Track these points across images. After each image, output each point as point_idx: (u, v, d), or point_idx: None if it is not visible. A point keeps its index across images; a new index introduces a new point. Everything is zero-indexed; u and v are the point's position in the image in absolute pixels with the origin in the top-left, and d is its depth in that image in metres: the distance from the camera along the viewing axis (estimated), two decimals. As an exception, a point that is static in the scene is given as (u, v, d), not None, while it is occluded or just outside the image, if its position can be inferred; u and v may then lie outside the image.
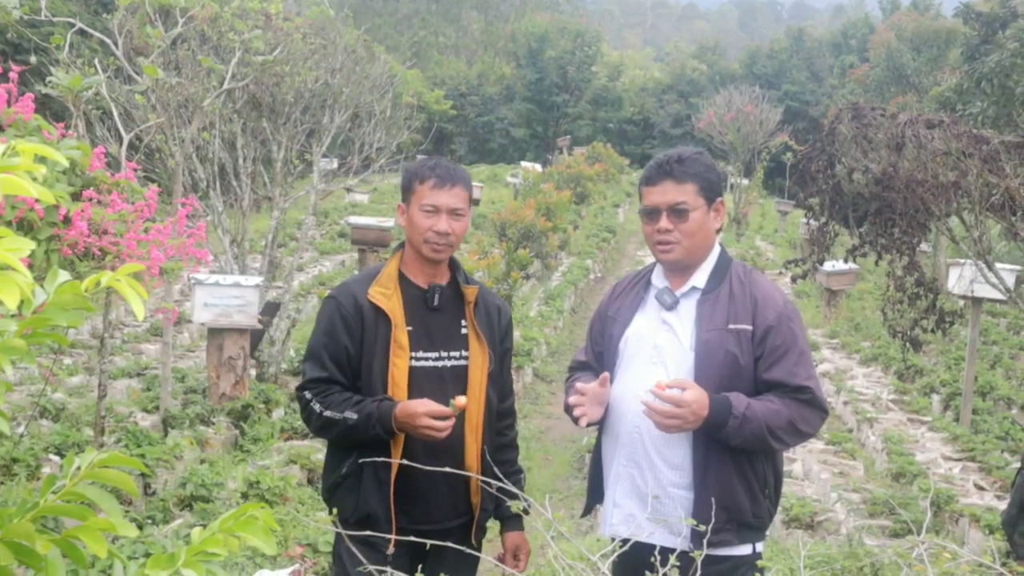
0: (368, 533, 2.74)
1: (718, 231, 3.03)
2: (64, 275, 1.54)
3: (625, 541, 2.69)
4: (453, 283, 3.18)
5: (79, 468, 1.55)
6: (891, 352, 11.66)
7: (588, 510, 3.30)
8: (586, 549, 2.42)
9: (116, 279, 1.52)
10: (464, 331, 3.14)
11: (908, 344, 7.82)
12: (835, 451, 8.56)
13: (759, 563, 2.77)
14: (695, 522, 2.68)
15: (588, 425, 2.96)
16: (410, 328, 3.05)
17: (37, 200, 3.01)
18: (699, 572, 2.27)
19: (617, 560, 2.50)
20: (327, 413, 3.00)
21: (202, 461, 6.65)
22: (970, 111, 13.20)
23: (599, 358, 3.14)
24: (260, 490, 6.00)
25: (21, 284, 1.37)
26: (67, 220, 3.67)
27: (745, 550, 2.91)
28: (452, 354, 3.11)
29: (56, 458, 6.12)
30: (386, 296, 3.05)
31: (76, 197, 3.88)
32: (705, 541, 2.67)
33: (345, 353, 3.04)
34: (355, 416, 2.96)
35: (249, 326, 7.94)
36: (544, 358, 11.58)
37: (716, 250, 3.02)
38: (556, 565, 2.20)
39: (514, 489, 2.71)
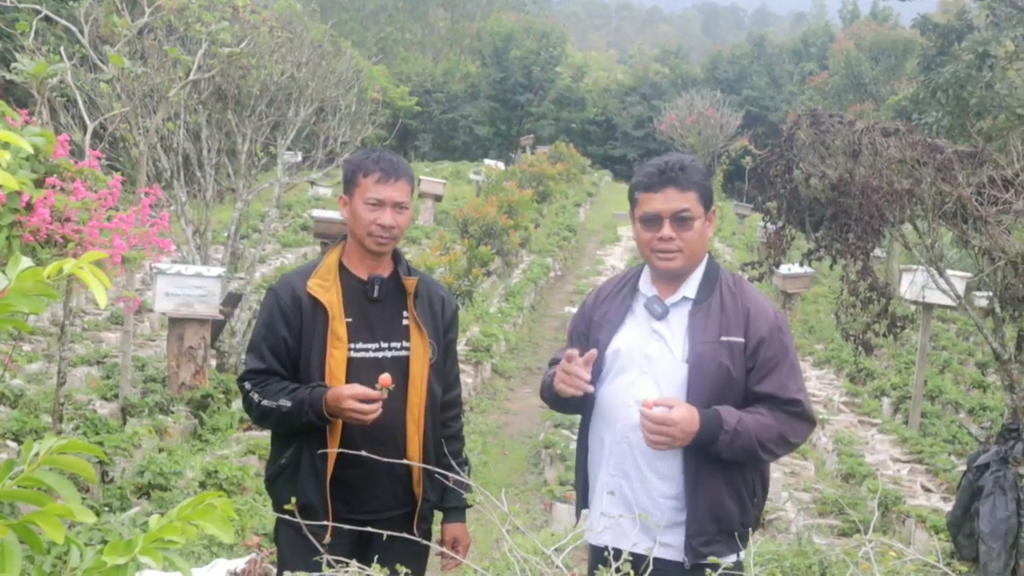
0: (308, 522, 2.69)
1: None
2: (26, 261, 1.52)
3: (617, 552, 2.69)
4: (394, 274, 3.17)
5: (38, 454, 1.54)
6: (844, 355, 11.83)
7: (578, 517, 3.24)
8: (541, 543, 2.42)
9: (79, 266, 1.52)
10: (405, 322, 3.13)
11: (860, 347, 7.92)
12: (787, 451, 8.67)
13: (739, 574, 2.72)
14: (682, 533, 2.78)
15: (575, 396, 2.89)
16: (350, 320, 3.06)
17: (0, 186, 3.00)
18: None
19: (599, 568, 2.48)
20: (264, 402, 3.01)
21: (160, 450, 6.64)
22: (925, 120, 13.45)
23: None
24: (218, 479, 6.01)
25: (-17, 270, 1.37)
26: (29, 207, 3.62)
27: (730, 559, 2.87)
28: (393, 345, 3.11)
29: (13, 444, 6.10)
30: (324, 288, 3.05)
31: (39, 184, 3.81)
32: (685, 552, 2.76)
33: (284, 345, 3.05)
34: (289, 404, 2.97)
35: (210, 316, 7.94)
36: (503, 354, 11.64)
37: (704, 258, 3.00)
38: (511, 558, 2.20)
39: (467, 480, 2.70)
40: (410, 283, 3.14)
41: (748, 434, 2.76)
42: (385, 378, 2.91)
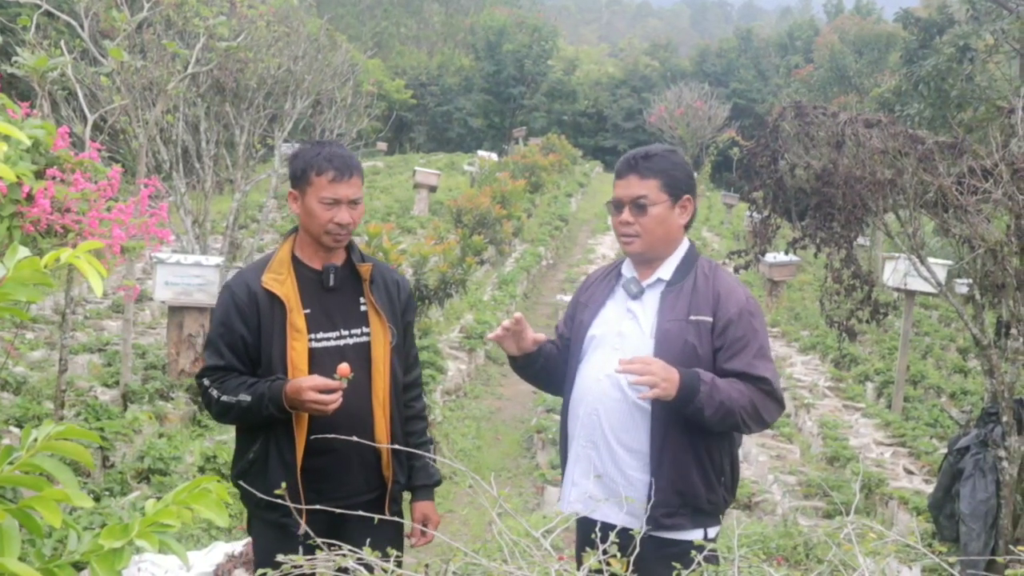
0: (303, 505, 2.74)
1: (687, 227, 3.10)
2: (24, 251, 1.53)
3: (590, 520, 2.78)
4: (348, 262, 3.18)
5: (36, 440, 1.55)
6: (828, 341, 11.99)
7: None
8: (530, 526, 2.47)
9: (75, 256, 1.52)
10: (363, 308, 3.14)
11: (844, 333, 8.03)
12: (773, 435, 8.77)
13: (711, 547, 2.79)
14: (646, 504, 2.77)
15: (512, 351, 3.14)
16: (308, 311, 3.06)
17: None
18: (648, 552, 2.38)
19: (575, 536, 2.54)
20: (224, 398, 3.01)
21: (160, 435, 6.73)
22: (907, 112, 13.60)
23: (561, 339, 3.23)
24: (216, 464, 6.11)
25: (-18, 259, 1.43)
26: (30, 197, 3.65)
27: (697, 535, 2.91)
28: (353, 332, 3.11)
29: (16, 430, 6.17)
30: (279, 281, 3.05)
31: (39, 175, 3.84)
32: (647, 522, 2.74)
33: (242, 342, 3.05)
34: (248, 398, 2.97)
35: (209, 305, 8.03)
36: (496, 341, 11.76)
37: (685, 245, 3.08)
38: (501, 540, 2.25)
39: (435, 458, 2.78)
40: (365, 269, 3.16)
41: (722, 391, 2.82)
42: (344, 368, 2.93)
